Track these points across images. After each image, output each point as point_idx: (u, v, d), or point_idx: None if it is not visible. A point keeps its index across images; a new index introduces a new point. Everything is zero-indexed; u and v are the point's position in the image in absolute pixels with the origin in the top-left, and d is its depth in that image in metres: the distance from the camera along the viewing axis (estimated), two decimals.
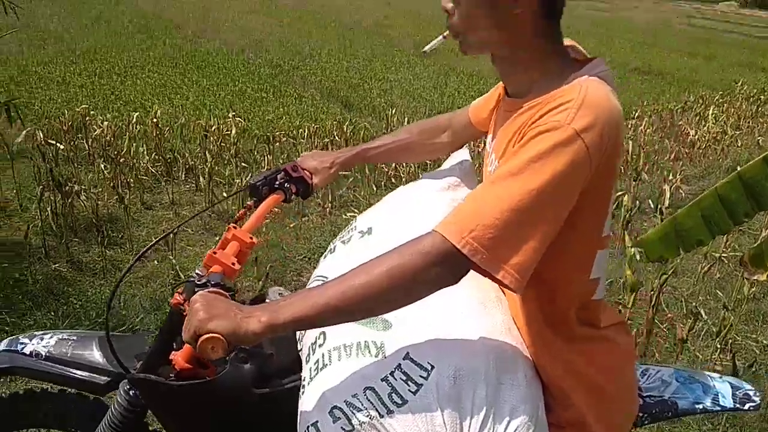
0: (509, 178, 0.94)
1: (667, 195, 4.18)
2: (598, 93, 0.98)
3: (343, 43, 11.48)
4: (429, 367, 1.03)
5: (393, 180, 5.10)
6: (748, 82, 9.88)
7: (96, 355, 1.34)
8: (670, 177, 5.14)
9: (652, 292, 3.07)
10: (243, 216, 1.40)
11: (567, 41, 1.14)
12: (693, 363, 3.16)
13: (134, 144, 5.29)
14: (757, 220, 4.56)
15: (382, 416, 0.99)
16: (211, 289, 1.05)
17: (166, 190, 5.04)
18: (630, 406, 1.26)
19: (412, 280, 0.94)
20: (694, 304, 3.67)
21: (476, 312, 1.16)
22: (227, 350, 0.92)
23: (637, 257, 2.76)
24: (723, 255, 4.10)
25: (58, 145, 5.07)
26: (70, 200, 4.33)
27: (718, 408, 1.33)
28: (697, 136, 6.71)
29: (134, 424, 1.33)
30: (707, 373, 1.42)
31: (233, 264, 1.20)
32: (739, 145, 6.92)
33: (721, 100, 8.56)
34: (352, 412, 1.01)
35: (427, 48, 1.26)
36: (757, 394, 1.37)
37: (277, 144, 5.72)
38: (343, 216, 4.66)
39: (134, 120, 5.57)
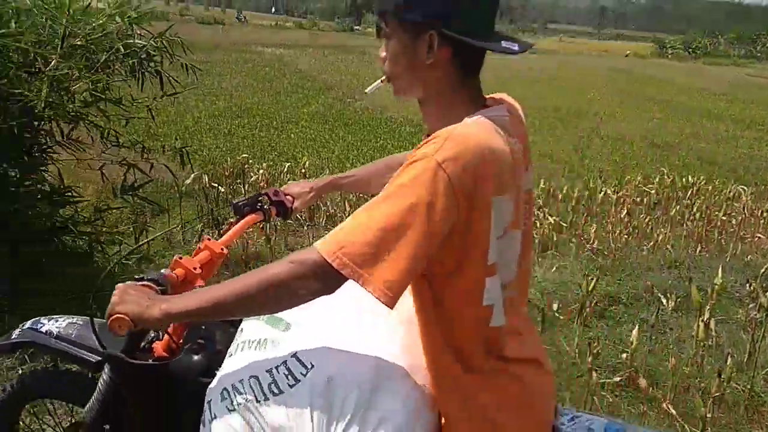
0: (382, 202, 1.02)
1: None
2: (468, 130, 1.05)
3: None
4: (309, 366, 1.13)
5: None
6: None
7: (94, 338, 1.41)
8: None
9: None
10: (225, 232, 1.56)
11: (498, 95, 1.23)
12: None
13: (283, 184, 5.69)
14: None
15: (258, 402, 1.13)
16: (140, 283, 1.20)
17: (307, 234, 5.33)
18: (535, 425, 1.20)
19: (287, 287, 1.03)
20: None
21: (373, 325, 1.21)
22: (132, 328, 1.11)
23: None
24: None
25: (219, 188, 5.58)
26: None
27: None
28: None
29: (113, 398, 1.44)
30: (642, 427, 1.36)
31: (194, 269, 1.34)
32: None
33: None
34: (235, 395, 1.15)
35: (368, 89, 1.35)
36: None
37: None
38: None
39: (285, 169, 6.02)
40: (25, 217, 3.20)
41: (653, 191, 6.11)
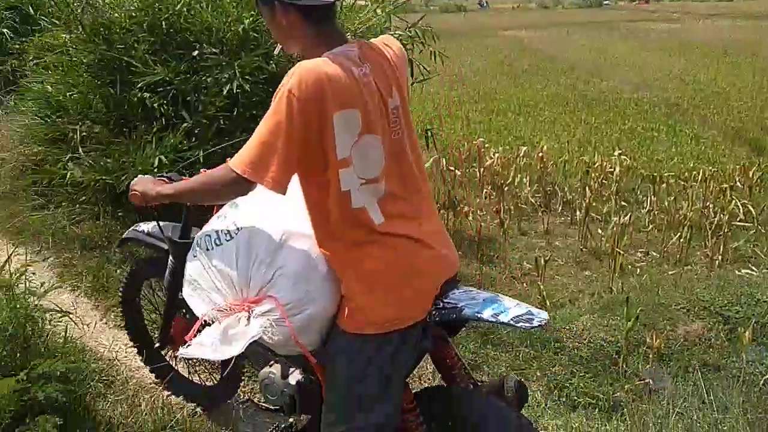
0: (260, 127, 1.46)
1: None
2: (310, 64, 1.44)
3: (759, 82, 10.03)
4: (240, 228, 1.68)
5: None
6: None
7: (167, 233, 2.07)
8: None
9: None
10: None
11: (359, 41, 1.60)
12: None
13: (519, 175, 5.65)
14: None
15: (207, 249, 1.73)
16: (158, 176, 1.85)
17: (542, 220, 5.22)
18: (402, 299, 1.55)
19: (216, 190, 1.59)
20: None
21: (294, 210, 1.64)
22: (142, 201, 1.79)
23: None
24: None
25: (456, 171, 5.75)
26: (459, 219, 4.88)
27: (494, 320, 1.58)
28: None
29: (178, 274, 1.96)
30: (515, 300, 1.64)
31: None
32: None
33: None
34: (196, 248, 1.78)
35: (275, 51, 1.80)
36: (541, 321, 1.57)
37: (664, 185, 5.34)
38: (736, 272, 4.04)
39: (522, 153, 5.95)
40: None
41: None
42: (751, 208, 4.70)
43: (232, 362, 1.97)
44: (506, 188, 5.30)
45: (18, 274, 2.01)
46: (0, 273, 2.13)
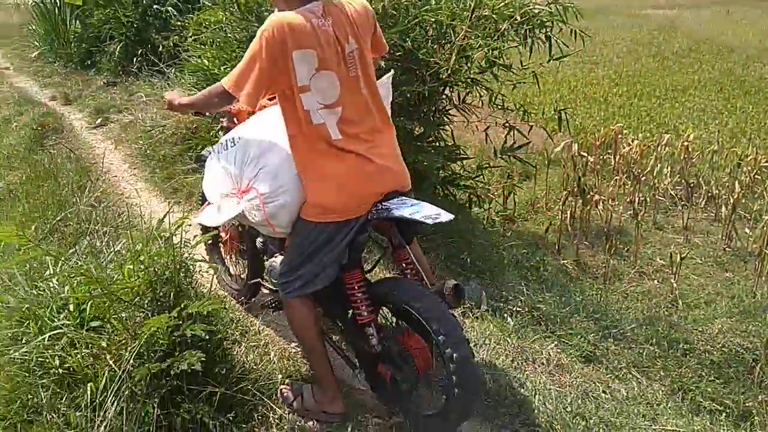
0: (245, 56, 2.04)
1: None
2: (279, 15, 2.01)
3: None
4: (239, 139, 2.31)
5: None
6: None
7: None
8: None
9: None
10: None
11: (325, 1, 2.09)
12: None
13: (659, 165, 5.30)
14: None
15: (217, 152, 2.36)
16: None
17: (681, 215, 4.88)
18: (346, 199, 2.10)
19: (212, 100, 2.18)
20: None
21: (273, 126, 2.23)
22: (170, 108, 2.42)
23: None
24: None
25: (588, 157, 5.51)
26: (588, 208, 4.69)
27: (408, 217, 2.01)
28: None
29: None
30: (436, 207, 2.05)
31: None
32: None
33: None
34: (213, 150, 2.42)
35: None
36: (442, 219, 2.01)
37: None
38: None
39: (664, 141, 5.55)
40: (422, 167, 3.76)
41: None
42: None
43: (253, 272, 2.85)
44: (643, 178, 5.00)
45: (176, 227, 2.27)
46: (160, 226, 2.41)
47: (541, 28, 3.52)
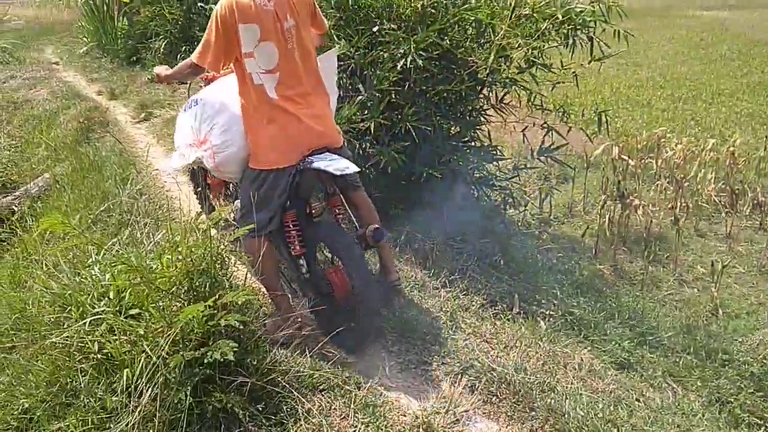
0: (206, 29, 2.54)
1: None
2: None
3: None
4: (201, 100, 2.82)
5: None
6: None
7: None
8: None
9: None
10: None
11: None
12: None
13: (702, 170, 5.16)
14: None
15: (184, 110, 2.90)
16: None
17: (724, 222, 4.74)
18: (280, 151, 2.57)
19: (185, 69, 2.67)
20: None
21: (227, 92, 2.74)
22: (158, 80, 2.87)
23: None
24: None
25: (629, 161, 5.40)
26: (627, 212, 4.60)
27: (321, 168, 2.50)
28: None
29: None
30: (350, 162, 2.53)
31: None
32: None
33: None
34: (182, 108, 2.97)
35: None
36: (349, 171, 2.48)
37: None
38: None
39: (709, 146, 5.41)
40: (457, 167, 3.74)
41: None
42: None
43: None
44: (686, 183, 4.88)
45: (214, 221, 2.32)
46: (198, 218, 2.47)
47: (583, 28, 3.46)
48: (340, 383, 2.40)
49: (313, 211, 2.84)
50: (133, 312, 2.23)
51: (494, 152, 3.95)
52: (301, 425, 2.14)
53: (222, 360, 2.04)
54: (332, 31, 3.72)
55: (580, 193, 5.48)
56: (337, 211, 2.79)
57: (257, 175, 2.59)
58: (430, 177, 3.58)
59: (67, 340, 2.22)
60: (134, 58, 9.25)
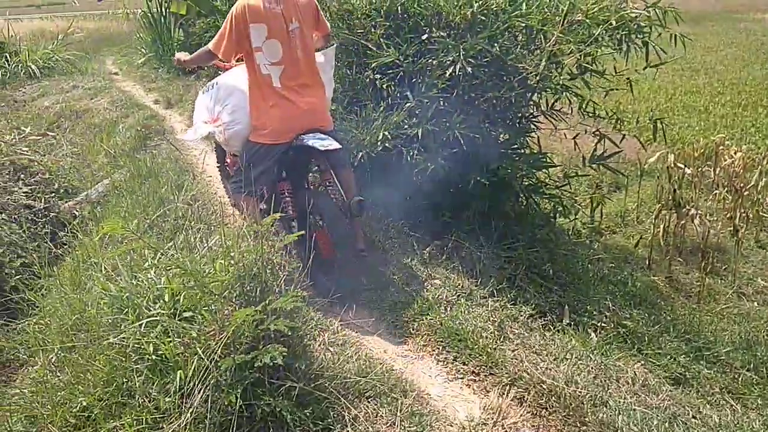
0: (223, 24, 3.07)
1: None
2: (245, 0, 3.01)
3: None
4: (217, 84, 3.36)
5: None
6: None
7: None
8: None
9: None
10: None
11: None
12: None
13: (763, 179, 4.94)
14: None
15: (203, 93, 3.48)
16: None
17: None
18: (276, 130, 3.07)
19: (203, 55, 3.18)
20: None
21: (238, 80, 3.24)
22: (179, 64, 3.35)
23: None
24: None
25: (685, 169, 5.23)
26: (683, 222, 4.45)
27: (310, 144, 2.97)
28: None
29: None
30: (332, 139, 3.01)
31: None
32: None
33: None
34: (200, 90, 3.54)
35: None
36: (333, 148, 2.95)
37: None
38: None
39: None
40: (506, 174, 3.70)
41: None
42: None
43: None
44: (746, 193, 4.68)
45: (266, 227, 2.36)
46: (250, 224, 2.52)
47: (638, 33, 3.38)
48: (386, 390, 2.40)
49: (311, 185, 3.52)
50: (186, 315, 2.29)
51: (544, 159, 3.89)
52: (348, 431, 2.15)
53: (271, 364, 2.07)
54: (381, 39, 3.75)
55: (633, 202, 5.34)
56: (327, 183, 3.15)
57: (252, 146, 3.14)
58: (478, 184, 3.55)
59: (123, 341, 2.29)
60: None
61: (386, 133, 3.54)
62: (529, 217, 4.11)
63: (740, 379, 2.93)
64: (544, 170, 4.03)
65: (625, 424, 2.26)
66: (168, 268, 2.42)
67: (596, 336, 3.06)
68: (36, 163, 5.17)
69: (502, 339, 2.75)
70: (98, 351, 2.38)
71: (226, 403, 2.08)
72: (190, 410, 2.06)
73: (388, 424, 2.23)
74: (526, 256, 3.70)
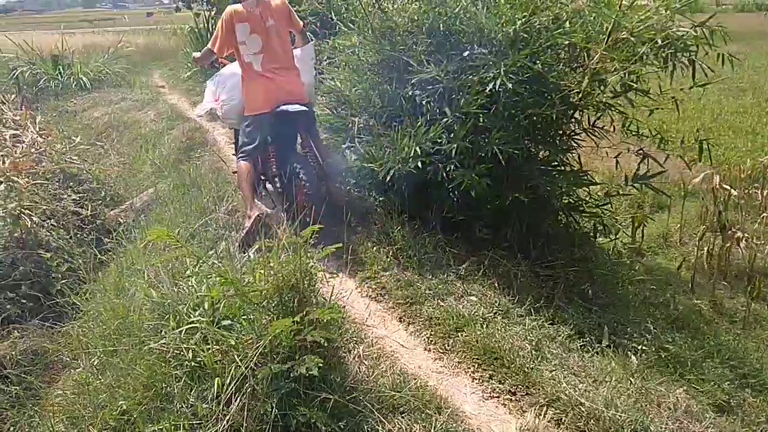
0: (218, 27, 4.01)
1: None
2: (233, 5, 3.89)
3: None
4: (220, 75, 4.30)
5: None
6: None
7: None
8: None
9: None
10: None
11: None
12: None
13: None
14: None
15: (211, 80, 4.40)
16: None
17: None
18: (260, 103, 3.86)
19: (206, 53, 4.07)
20: None
21: (234, 70, 4.14)
22: (194, 63, 4.39)
23: None
24: None
25: (731, 190, 5.08)
26: (728, 245, 4.32)
27: (282, 110, 3.77)
28: None
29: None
30: (302, 106, 3.80)
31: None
32: None
33: None
34: (208, 79, 4.52)
35: None
36: (299, 110, 3.77)
37: None
38: None
39: None
40: (545, 192, 3.66)
41: None
42: None
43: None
44: None
45: (305, 238, 2.39)
46: (289, 235, 2.55)
47: (684, 52, 3.32)
48: (420, 406, 2.38)
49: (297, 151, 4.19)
50: (225, 323, 2.32)
51: (585, 177, 3.84)
52: None
53: (307, 375, 2.08)
54: (422, 56, 3.77)
55: (676, 223, 5.21)
56: (306, 149, 3.98)
57: (249, 121, 3.93)
58: (516, 201, 3.52)
59: (164, 347, 2.34)
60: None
61: (419, 148, 3.54)
62: (569, 235, 4.05)
63: None
64: (584, 188, 3.98)
65: None
66: (209, 276, 2.47)
67: (637, 359, 2.99)
68: (85, 172, 5.36)
69: (539, 359, 2.70)
70: (139, 356, 2.43)
71: (261, 412, 2.10)
72: (227, 418, 2.08)
73: None
74: (565, 275, 3.64)
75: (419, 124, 3.77)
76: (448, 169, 3.56)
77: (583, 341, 3.00)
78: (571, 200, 3.90)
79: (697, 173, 5.05)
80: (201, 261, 2.62)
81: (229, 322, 2.32)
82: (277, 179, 4.03)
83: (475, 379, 2.64)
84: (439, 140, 3.58)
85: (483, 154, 3.49)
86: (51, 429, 2.44)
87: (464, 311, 3.03)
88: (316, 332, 2.11)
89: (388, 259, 3.55)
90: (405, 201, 3.88)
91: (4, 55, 11.18)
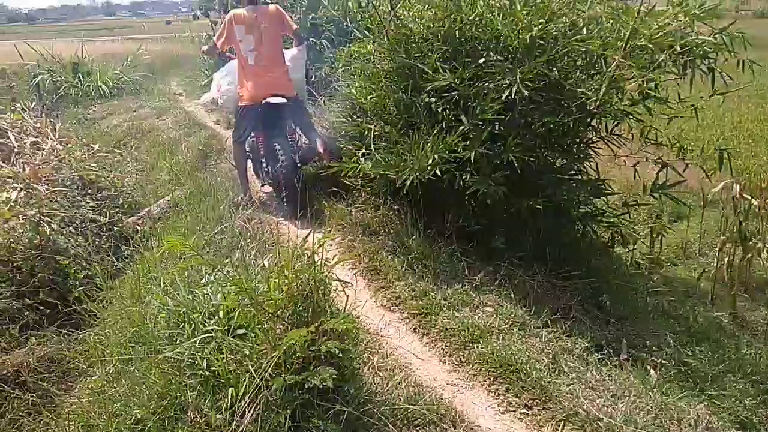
0: (219, 27, 5.17)
1: None
2: (234, 10, 4.84)
3: None
4: (225, 68, 5.51)
5: None
6: None
7: None
8: None
9: None
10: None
11: (260, 6, 4.89)
12: None
13: None
14: None
15: (218, 72, 5.66)
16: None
17: None
18: (251, 95, 4.71)
19: (211, 47, 5.02)
20: None
21: (234, 65, 5.10)
22: (202, 54, 6.26)
23: None
24: None
25: (752, 200, 4.98)
26: (750, 256, 4.24)
27: (270, 102, 4.65)
28: None
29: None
30: (283, 98, 4.66)
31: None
32: None
33: None
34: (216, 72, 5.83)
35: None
36: (281, 101, 4.63)
37: None
38: None
39: None
40: (561, 201, 3.61)
41: None
42: None
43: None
44: None
45: (318, 246, 2.38)
46: (303, 244, 2.54)
47: (703, 59, 3.27)
48: (435, 420, 2.36)
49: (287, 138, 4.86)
50: (240, 332, 2.32)
51: (602, 186, 3.79)
52: None
53: (321, 386, 2.06)
54: (438, 63, 3.76)
55: (695, 234, 5.13)
56: (292, 138, 4.82)
57: (241, 110, 4.75)
58: (532, 210, 3.48)
59: (179, 356, 2.34)
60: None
61: (437, 156, 3.52)
62: (586, 245, 4.00)
63: None
64: (602, 197, 3.93)
65: None
66: (224, 284, 2.46)
67: (656, 373, 2.93)
68: (103, 179, 5.41)
69: (556, 372, 2.66)
70: (154, 364, 2.43)
71: (275, 424, 2.09)
72: (241, 429, 2.07)
73: None
74: (582, 286, 3.59)
75: (435, 131, 3.75)
76: (464, 177, 3.54)
77: (600, 354, 2.95)
78: (588, 209, 3.86)
79: (717, 182, 4.96)
80: (216, 269, 2.62)
81: (244, 331, 2.32)
82: (264, 161, 4.82)
83: (491, 392, 2.61)
84: (455, 148, 3.56)
85: (499, 162, 3.46)
86: None
87: (480, 322, 3.00)
88: (331, 342, 2.10)
89: (403, 269, 3.53)
90: (420, 209, 3.86)
91: (25, 63, 11.36)
